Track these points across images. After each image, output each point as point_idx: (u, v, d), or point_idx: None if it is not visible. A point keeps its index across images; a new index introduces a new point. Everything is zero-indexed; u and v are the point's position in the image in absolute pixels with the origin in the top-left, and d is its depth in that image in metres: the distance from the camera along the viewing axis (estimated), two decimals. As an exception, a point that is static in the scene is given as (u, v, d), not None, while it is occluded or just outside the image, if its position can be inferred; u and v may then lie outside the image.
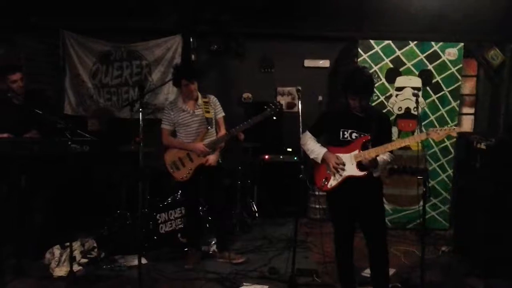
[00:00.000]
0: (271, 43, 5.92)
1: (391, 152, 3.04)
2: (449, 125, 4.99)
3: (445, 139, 4.99)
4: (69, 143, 3.52)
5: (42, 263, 3.83)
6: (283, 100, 5.97)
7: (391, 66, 5.09)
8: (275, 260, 4.11)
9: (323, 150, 3.13)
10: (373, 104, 4.97)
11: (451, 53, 5.08)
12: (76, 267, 3.68)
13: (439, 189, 5.17)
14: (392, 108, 5.15)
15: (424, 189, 2.92)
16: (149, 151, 4.05)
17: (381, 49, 5.07)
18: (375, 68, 5.07)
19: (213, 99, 4.07)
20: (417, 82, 5.09)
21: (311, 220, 5.40)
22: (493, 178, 3.76)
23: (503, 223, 3.69)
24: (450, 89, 5.10)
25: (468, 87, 6.01)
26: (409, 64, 5.09)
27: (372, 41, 5.08)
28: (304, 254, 4.26)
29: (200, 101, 3.99)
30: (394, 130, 4.92)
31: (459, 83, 5.14)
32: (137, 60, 5.73)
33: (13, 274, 3.61)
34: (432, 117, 5.12)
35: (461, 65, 5.11)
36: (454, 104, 5.12)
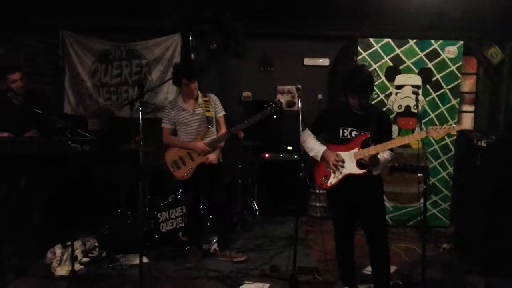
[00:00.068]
0: (270, 41, 5.90)
1: (391, 150, 3.05)
2: (449, 123, 5.01)
3: (446, 137, 4.99)
4: (69, 142, 3.52)
5: (43, 263, 3.82)
6: (283, 99, 5.95)
7: (391, 64, 5.09)
8: (276, 258, 4.11)
9: (323, 148, 3.13)
10: (373, 102, 4.97)
11: (451, 51, 5.08)
12: (77, 266, 3.67)
13: (439, 186, 5.17)
14: (392, 106, 5.14)
15: (425, 187, 2.93)
16: (149, 150, 4.06)
17: (381, 47, 5.07)
18: (375, 66, 5.07)
19: (213, 98, 4.07)
20: (417, 80, 5.09)
21: (312, 218, 5.41)
22: (493, 176, 3.76)
23: (504, 221, 3.69)
24: (450, 87, 5.10)
25: (468, 85, 6.01)
26: (408, 62, 5.09)
27: (371, 40, 5.08)
28: (305, 252, 4.27)
29: (200, 100, 3.99)
30: (394, 128, 4.91)
31: (459, 81, 5.14)
32: (136, 59, 5.72)
33: (14, 274, 3.60)
34: (432, 115, 5.12)
35: (460, 63, 5.11)
36: (454, 102, 5.12)
